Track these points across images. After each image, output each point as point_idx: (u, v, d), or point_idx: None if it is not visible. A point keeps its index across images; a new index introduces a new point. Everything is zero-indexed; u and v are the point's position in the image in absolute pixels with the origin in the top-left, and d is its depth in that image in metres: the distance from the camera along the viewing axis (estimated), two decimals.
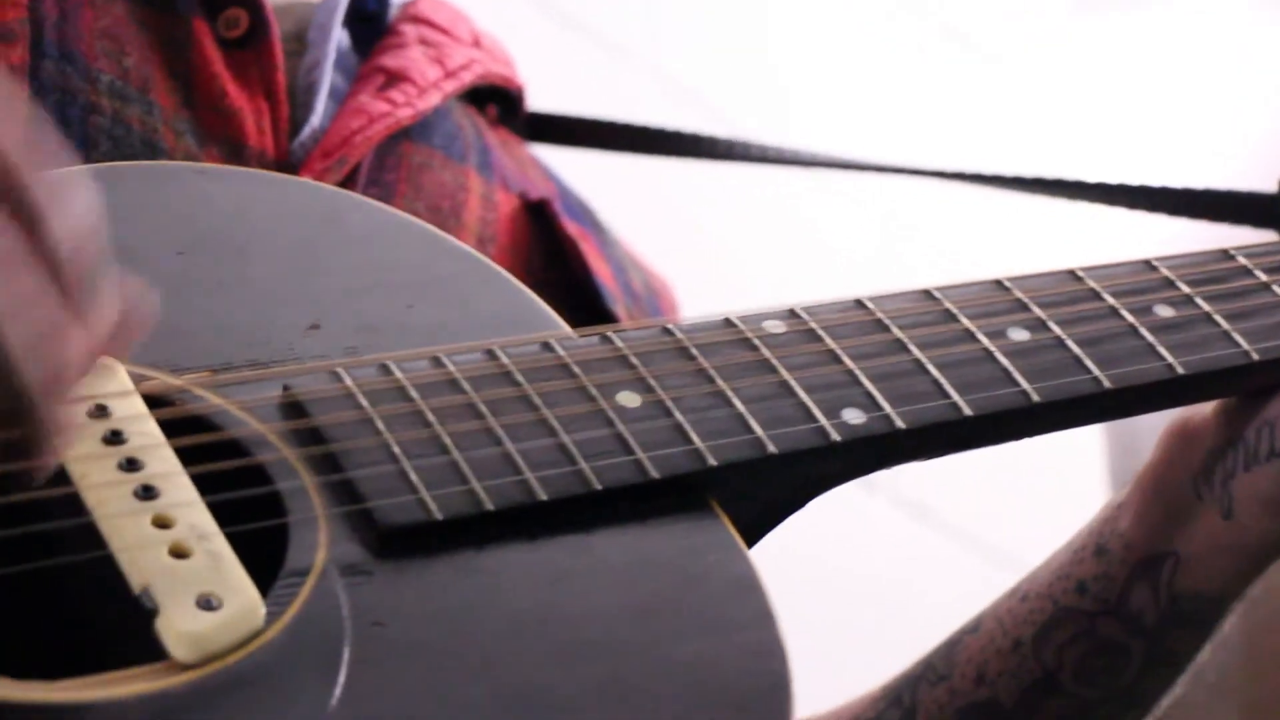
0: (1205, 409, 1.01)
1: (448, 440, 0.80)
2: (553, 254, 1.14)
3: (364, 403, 0.81)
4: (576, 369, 0.85)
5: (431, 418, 0.81)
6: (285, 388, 0.81)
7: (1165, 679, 1.05)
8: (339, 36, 1.13)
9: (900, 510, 2.15)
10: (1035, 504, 2.02)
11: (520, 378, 0.84)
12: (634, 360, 0.86)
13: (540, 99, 1.29)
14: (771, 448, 0.84)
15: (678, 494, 0.82)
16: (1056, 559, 1.05)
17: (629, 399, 0.85)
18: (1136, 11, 2.93)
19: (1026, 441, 1.19)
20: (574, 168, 1.35)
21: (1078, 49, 2.70)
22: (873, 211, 2.15)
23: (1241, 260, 1.00)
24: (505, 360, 0.85)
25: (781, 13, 2.23)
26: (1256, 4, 3.12)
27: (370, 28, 1.17)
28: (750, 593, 0.79)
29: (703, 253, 1.96)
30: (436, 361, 0.84)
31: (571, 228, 1.16)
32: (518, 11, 1.95)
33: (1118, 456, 2.25)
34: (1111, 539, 1.03)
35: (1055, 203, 1.26)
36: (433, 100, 1.12)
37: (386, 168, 1.09)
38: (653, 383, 0.85)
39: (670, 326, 0.89)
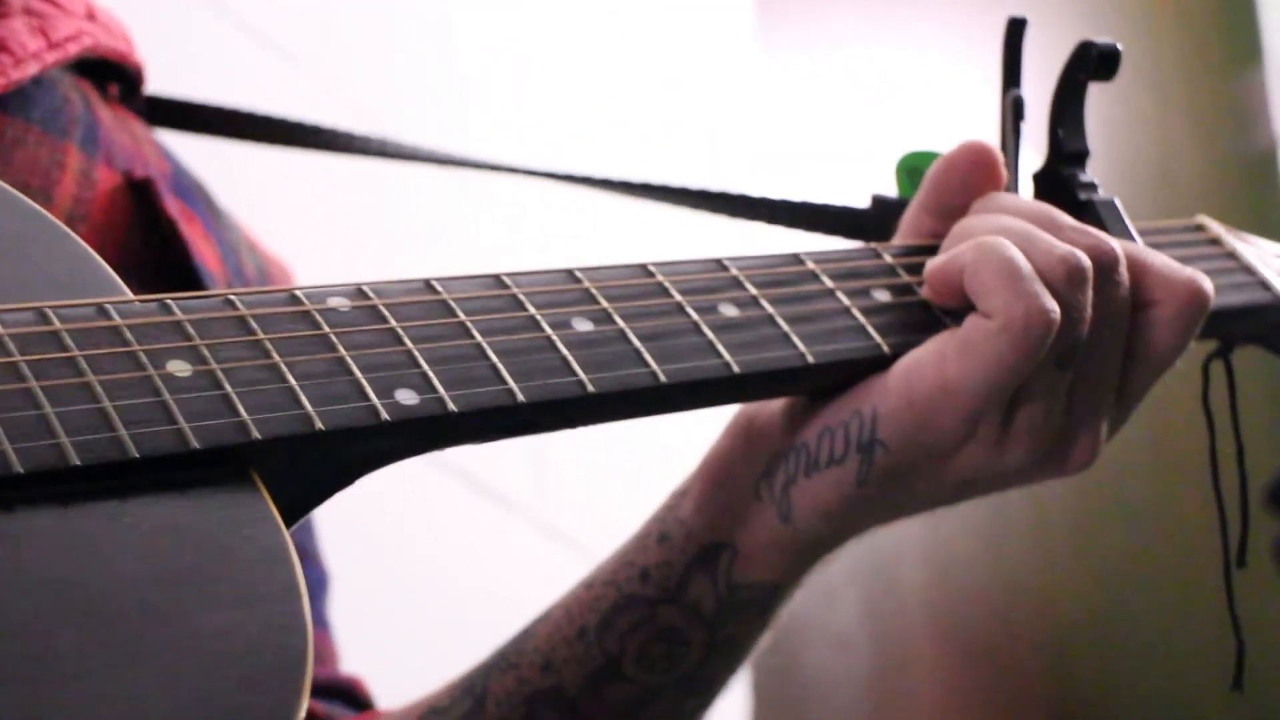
0: (772, 406, 1.04)
1: None
2: (154, 234, 1.14)
3: None
4: (129, 334, 0.84)
5: None
6: None
7: (727, 665, 1.07)
8: None
9: (536, 529, 2.17)
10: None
11: (69, 340, 0.83)
12: (190, 329, 0.86)
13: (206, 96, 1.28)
14: (320, 424, 0.85)
15: (220, 465, 0.82)
16: (623, 547, 1.07)
17: (179, 368, 0.84)
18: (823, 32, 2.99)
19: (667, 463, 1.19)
20: (208, 151, 1.34)
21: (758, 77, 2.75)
22: (502, 208, 2.18)
23: (810, 265, 1.02)
24: (56, 323, 0.84)
25: (448, 23, 2.24)
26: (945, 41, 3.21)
27: None
28: (279, 566, 0.79)
29: (335, 242, 1.96)
30: None
31: (175, 208, 1.15)
32: (191, 11, 1.92)
33: None
34: (673, 526, 1.05)
35: (671, 208, 1.28)
36: (29, 70, 1.10)
37: None
38: (206, 352, 0.85)
39: (232, 298, 0.88)
